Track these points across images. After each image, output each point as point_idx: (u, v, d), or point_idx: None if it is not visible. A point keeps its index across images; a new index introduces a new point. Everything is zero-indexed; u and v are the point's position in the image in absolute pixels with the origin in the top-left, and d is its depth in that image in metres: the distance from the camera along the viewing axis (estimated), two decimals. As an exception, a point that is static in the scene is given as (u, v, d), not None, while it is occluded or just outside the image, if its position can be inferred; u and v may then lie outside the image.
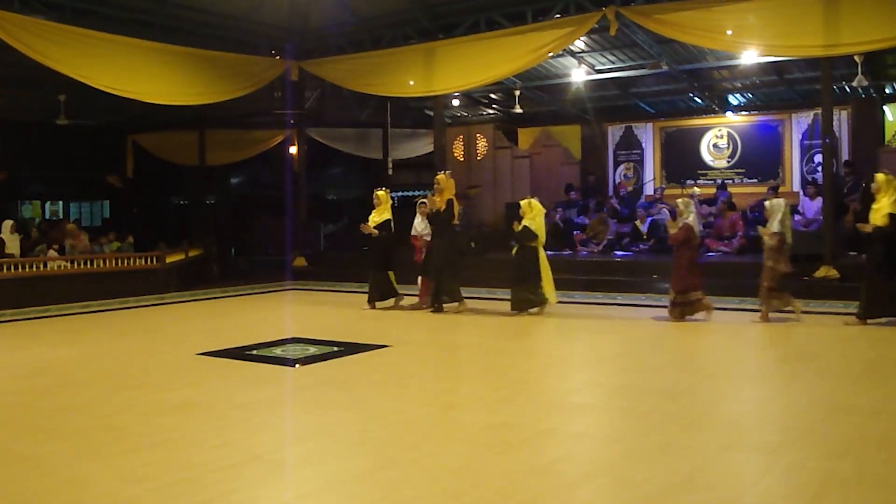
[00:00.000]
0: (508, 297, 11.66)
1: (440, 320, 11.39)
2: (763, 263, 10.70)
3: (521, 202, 11.95)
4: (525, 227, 11.54)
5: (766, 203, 11.05)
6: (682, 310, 10.81)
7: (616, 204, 18.28)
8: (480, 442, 5.34)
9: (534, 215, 11.63)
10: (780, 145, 18.63)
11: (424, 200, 12.68)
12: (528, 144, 21.21)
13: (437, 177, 12.23)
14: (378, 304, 12.61)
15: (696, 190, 18.39)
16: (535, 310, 11.46)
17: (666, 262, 14.61)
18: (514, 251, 11.74)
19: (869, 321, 10.07)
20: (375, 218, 12.63)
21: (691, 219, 10.92)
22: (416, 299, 12.62)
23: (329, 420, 6.01)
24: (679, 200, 11.30)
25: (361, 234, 12.81)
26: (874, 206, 10.22)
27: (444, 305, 11.90)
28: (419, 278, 12.51)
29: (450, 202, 11.94)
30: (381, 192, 12.84)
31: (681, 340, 9.65)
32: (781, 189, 17.39)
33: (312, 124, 20.12)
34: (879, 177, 10.34)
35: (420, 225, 12.54)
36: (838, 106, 16.44)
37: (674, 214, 11.35)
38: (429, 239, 12.33)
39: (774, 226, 10.61)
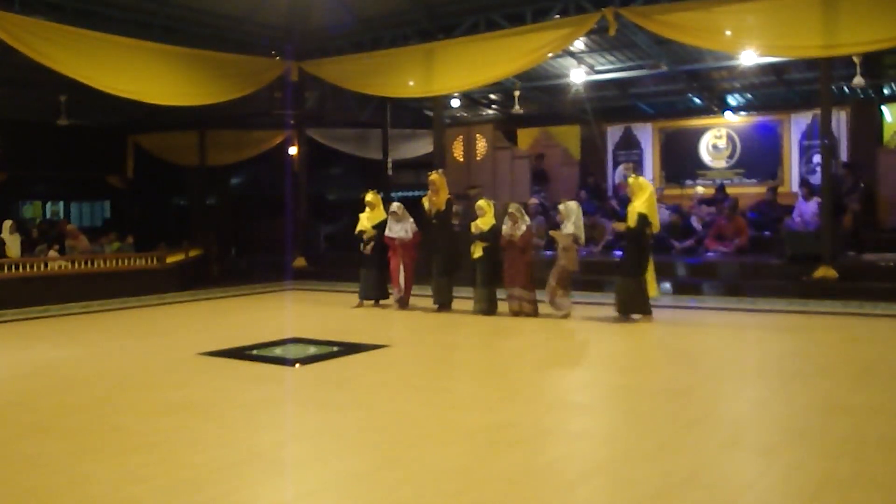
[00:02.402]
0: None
1: (440, 320, 11.41)
2: (556, 262, 11.21)
3: (480, 202, 11.93)
4: (494, 226, 11.64)
5: (561, 206, 11.54)
6: (529, 306, 11.38)
7: (616, 205, 18.28)
8: (480, 441, 5.36)
9: (492, 214, 11.80)
10: (779, 146, 18.65)
11: (395, 210, 12.52)
12: (527, 145, 21.21)
13: (432, 176, 12.19)
14: (366, 302, 12.89)
15: (700, 189, 18.43)
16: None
17: (666, 261, 14.72)
18: (477, 252, 11.64)
19: (633, 316, 10.72)
20: (371, 220, 12.84)
21: (529, 221, 11.60)
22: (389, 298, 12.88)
23: (329, 420, 6.03)
24: (512, 205, 11.68)
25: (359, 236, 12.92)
26: (629, 208, 10.78)
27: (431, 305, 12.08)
28: (400, 276, 12.53)
29: (449, 201, 12.02)
30: (371, 196, 13.00)
31: (680, 340, 9.68)
32: (780, 189, 17.48)
33: (312, 125, 20.13)
34: (630, 180, 10.99)
35: (395, 227, 12.50)
36: (837, 106, 16.46)
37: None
38: (407, 239, 12.40)
39: (569, 227, 11.14)
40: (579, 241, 11.27)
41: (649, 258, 10.73)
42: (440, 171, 12.41)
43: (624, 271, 10.72)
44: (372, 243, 12.71)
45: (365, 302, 12.93)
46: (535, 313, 11.32)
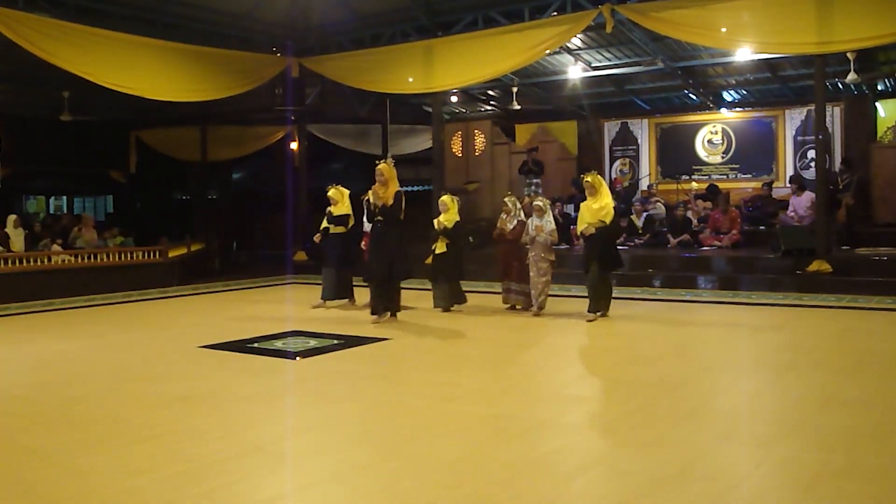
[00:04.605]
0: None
1: (437, 314, 11.30)
2: (542, 257, 10.87)
3: (444, 197, 11.59)
4: (457, 223, 11.46)
5: (538, 202, 11.17)
6: (525, 299, 11.26)
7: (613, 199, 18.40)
8: (478, 433, 5.38)
9: (456, 210, 11.52)
10: (774, 141, 18.77)
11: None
12: (525, 140, 21.28)
13: (380, 166, 10.37)
14: (329, 302, 12.27)
15: (695, 185, 18.55)
16: (461, 306, 11.58)
17: (663, 255, 14.86)
18: (439, 248, 11.39)
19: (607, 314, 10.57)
20: (335, 213, 12.24)
21: (522, 216, 11.32)
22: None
23: (329, 412, 6.07)
24: (507, 200, 11.47)
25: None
26: (593, 206, 10.31)
27: (385, 312, 10.65)
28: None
29: (398, 195, 10.30)
30: (333, 191, 12.36)
31: (675, 333, 9.71)
32: (775, 184, 17.60)
33: (313, 120, 20.24)
34: (590, 178, 10.46)
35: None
36: (831, 102, 16.55)
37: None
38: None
39: (552, 221, 11.00)
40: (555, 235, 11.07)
41: None
42: (390, 160, 10.67)
43: (605, 268, 10.50)
44: (319, 235, 12.27)
45: (327, 303, 12.25)
46: (529, 307, 11.22)
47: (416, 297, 12.32)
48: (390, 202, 10.23)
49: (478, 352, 8.92)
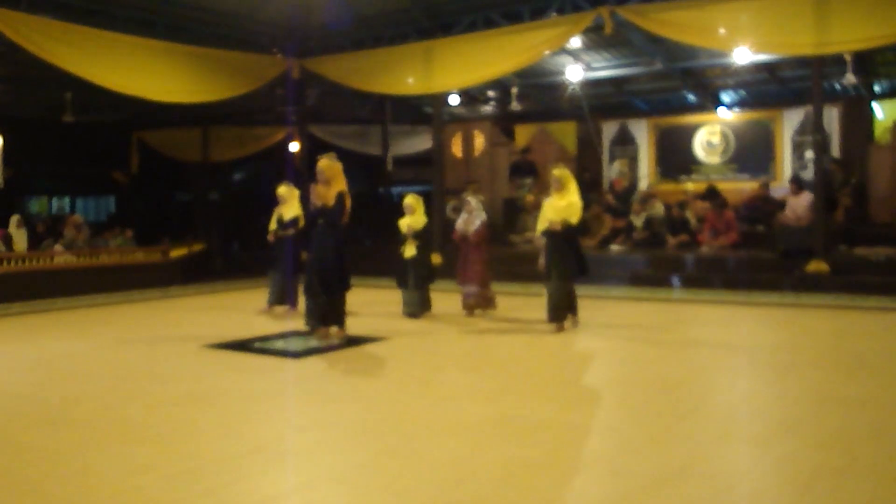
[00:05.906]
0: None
1: (437, 313, 11.27)
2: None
3: (408, 199, 11.07)
4: (426, 224, 11.10)
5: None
6: (485, 302, 11.05)
7: (612, 199, 18.49)
8: (478, 433, 5.42)
9: (423, 211, 11.13)
10: (772, 142, 18.80)
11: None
12: (524, 141, 21.33)
13: (321, 163, 9.14)
14: (278, 308, 11.97)
15: (690, 186, 18.58)
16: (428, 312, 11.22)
17: (661, 255, 14.91)
18: (408, 252, 10.99)
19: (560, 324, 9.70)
20: (285, 216, 11.81)
21: (484, 216, 11.01)
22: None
23: (330, 411, 6.11)
24: (471, 198, 11.15)
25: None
26: (559, 203, 9.53)
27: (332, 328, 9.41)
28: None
29: (340, 196, 9.07)
30: (283, 189, 11.87)
31: (673, 333, 9.77)
32: (773, 184, 17.65)
33: (313, 121, 20.27)
34: (557, 172, 9.71)
35: None
36: (829, 103, 16.49)
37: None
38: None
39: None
40: None
41: None
42: (332, 154, 9.41)
43: (565, 274, 9.53)
44: (271, 234, 11.80)
45: (276, 308, 11.92)
46: (492, 306, 11.07)
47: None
48: (330, 204, 9.05)
49: (477, 351, 8.94)
